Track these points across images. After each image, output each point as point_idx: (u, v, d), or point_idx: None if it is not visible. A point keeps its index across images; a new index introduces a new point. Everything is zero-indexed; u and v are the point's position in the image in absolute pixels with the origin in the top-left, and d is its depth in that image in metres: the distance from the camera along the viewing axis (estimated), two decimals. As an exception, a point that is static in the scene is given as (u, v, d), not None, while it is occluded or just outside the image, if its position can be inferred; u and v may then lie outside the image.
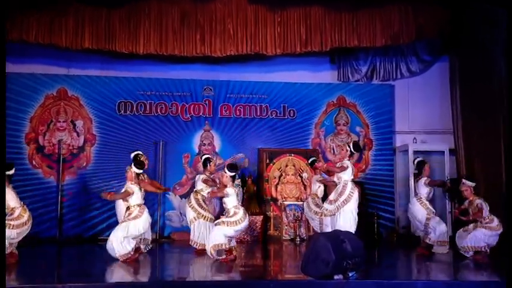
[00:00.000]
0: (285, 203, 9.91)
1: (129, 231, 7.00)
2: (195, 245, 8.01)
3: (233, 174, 7.27)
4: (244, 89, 10.56)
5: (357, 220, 7.35)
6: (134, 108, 10.26)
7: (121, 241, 6.95)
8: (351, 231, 6.89)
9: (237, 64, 10.45)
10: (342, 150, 7.93)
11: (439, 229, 7.88)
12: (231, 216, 7.07)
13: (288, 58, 10.35)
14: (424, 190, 8.03)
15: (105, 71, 10.43)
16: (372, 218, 9.96)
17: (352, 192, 7.35)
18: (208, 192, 8.09)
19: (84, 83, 10.17)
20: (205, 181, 8.09)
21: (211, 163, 8.30)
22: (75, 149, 10.03)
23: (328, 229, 7.58)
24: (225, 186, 7.23)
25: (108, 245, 6.99)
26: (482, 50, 9.45)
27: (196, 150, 10.33)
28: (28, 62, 10.01)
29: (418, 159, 8.33)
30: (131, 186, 7.13)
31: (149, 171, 9.86)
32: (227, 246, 7.01)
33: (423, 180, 8.02)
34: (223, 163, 10.02)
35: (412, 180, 9.86)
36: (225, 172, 7.26)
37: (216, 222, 7.26)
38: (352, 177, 7.48)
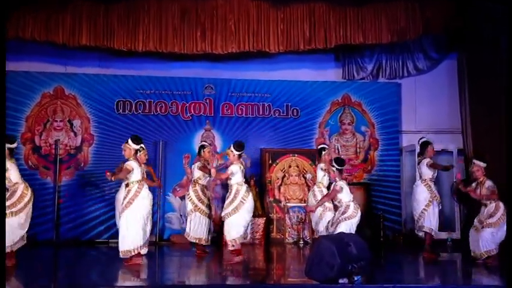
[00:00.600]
0: (288, 204, 9.91)
1: (132, 216, 6.92)
2: (188, 237, 8.05)
3: (240, 153, 7.33)
4: (246, 87, 10.55)
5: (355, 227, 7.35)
6: (133, 108, 10.26)
7: (125, 235, 6.90)
8: None
9: (239, 62, 10.44)
10: (329, 173, 7.82)
11: (433, 221, 7.86)
12: (232, 200, 7.13)
13: (291, 56, 10.34)
14: (427, 172, 7.97)
15: (103, 69, 10.44)
16: (377, 220, 9.95)
17: (355, 212, 7.29)
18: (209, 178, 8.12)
19: (82, 81, 10.17)
20: (201, 168, 8.07)
21: (205, 149, 8.28)
22: (73, 149, 10.04)
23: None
24: (227, 166, 7.38)
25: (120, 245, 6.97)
26: (491, 47, 9.44)
27: (197, 151, 10.30)
28: (24, 60, 10.02)
29: (422, 140, 8.27)
30: (130, 162, 7.05)
31: (148, 172, 9.91)
32: (240, 241, 7.11)
33: (426, 161, 7.97)
34: (224, 163, 10.02)
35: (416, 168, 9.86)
36: (232, 151, 7.29)
37: (222, 215, 7.30)
38: (352, 196, 7.36)
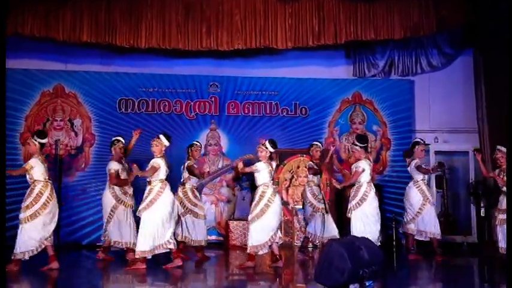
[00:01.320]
0: (297, 207, 9.86)
1: (152, 217, 6.91)
2: (177, 237, 7.94)
3: (273, 150, 7.30)
4: (253, 85, 10.51)
5: (376, 226, 7.30)
6: (136, 106, 10.25)
7: (144, 235, 6.87)
8: (370, 236, 6.88)
9: (245, 59, 10.42)
10: (354, 152, 7.78)
11: (431, 222, 7.93)
12: (258, 202, 7.05)
13: (300, 52, 10.29)
14: (417, 174, 8.05)
15: (105, 66, 10.44)
16: (390, 224, 9.87)
17: (366, 194, 7.27)
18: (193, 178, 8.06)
19: (83, 79, 10.17)
20: (189, 168, 8.01)
21: (193, 148, 8.22)
22: (73, 150, 10.04)
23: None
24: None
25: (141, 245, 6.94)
26: (503, 43, 9.35)
27: (202, 151, 10.28)
28: (23, 57, 10.01)
29: (414, 139, 8.32)
30: (158, 160, 7.04)
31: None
32: (269, 244, 7.02)
33: (414, 163, 7.99)
34: (231, 164, 10.02)
35: (434, 183, 9.81)
36: (266, 147, 7.23)
37: (248, 220, 7.23)
38: (370, 177, 7.38)
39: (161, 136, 7.20)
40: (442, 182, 9.89)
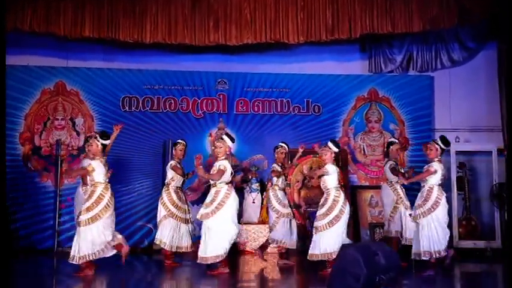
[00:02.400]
0: (309, 210, 9.82)
1: (222, 220, 6.97)
2: (161, 245, 7.96)
3: (337, 150, 7.30)
4: (263, 82, 10.49)
5: (447, 230, 7.24)
6: (140, 104, 10.26)
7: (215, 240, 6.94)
8: (442, 242, 6.96)
9: (255, 54, 10.39)
10: (431, 150, 7.62)
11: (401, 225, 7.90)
12: (330, 208, 6.97)
13: (312, 47, 10.25)
14: (391, 175, 8.05)
15: (108, 62, 10.46)
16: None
17: (439, 198, 7.21)
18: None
19: (85, 76, 10.19)
20: (174, 168, 8.00)
21: (177, 147, 8.22)
22: (75, 150, 10.03)
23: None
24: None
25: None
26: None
27: (210, 151, 10.25)
28: (23, 53, 10.03)
29: (389, 139, 8.44)
30: (224, 162, 7.10)
31: (157, 173, 9.88)
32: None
33: (388, 164, 7.94)
34: (240, 165, 9.99)
35: (455, 185, 9.71)
36: (330, 148, 7.23)
37: (315, 225, 7.12)
38: (441, 181, 7.32)
39: (224, 137, 7.31)
40: (464, 183, 9.78)
